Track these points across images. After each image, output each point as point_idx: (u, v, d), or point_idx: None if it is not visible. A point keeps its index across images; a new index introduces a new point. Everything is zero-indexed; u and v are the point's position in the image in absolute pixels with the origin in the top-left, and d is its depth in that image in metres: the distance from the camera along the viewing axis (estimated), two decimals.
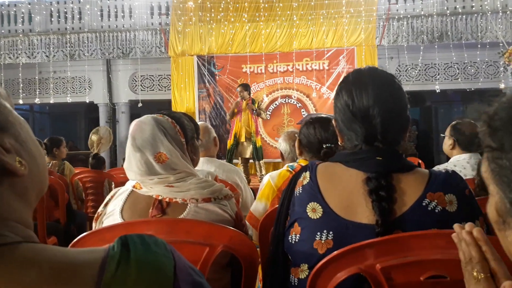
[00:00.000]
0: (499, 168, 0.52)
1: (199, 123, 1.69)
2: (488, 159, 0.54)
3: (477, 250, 0.75)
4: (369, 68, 1.15)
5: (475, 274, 0.73)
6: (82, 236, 1.01)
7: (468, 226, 0.77)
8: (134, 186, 1.24)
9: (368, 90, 1.05)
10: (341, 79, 1.16)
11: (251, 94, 6.54)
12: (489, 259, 0.73)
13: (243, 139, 6.37)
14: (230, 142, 6.49)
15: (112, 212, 1.23)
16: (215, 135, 2.77)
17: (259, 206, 2.10)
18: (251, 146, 6.36)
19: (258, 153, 6.31)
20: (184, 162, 1.27)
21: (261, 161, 6.45)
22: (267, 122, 8.35)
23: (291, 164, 2.24)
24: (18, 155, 0.49)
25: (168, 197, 1.19)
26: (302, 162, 2.02)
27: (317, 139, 1.93)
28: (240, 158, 6.52)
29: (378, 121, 1.03)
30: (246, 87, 6.44)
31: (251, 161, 6.60)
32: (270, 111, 8.58)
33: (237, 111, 6.41)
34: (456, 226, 0.81)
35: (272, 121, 8.57)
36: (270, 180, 2.11)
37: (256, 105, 6.32)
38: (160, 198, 1.19)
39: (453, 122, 2.65)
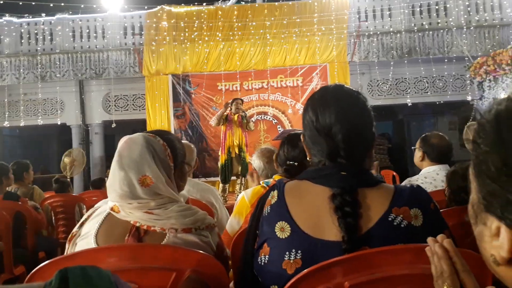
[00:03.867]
0: (477, 160, 0.53)
1: (183, 141, 1.64)
2: (473, 154, 0.56)
3: (448, 263, 0.75)
4: (335, 86, 1.17)
5: None
6: (40, 266, 0.96)
7: (439, 237, 0.78)
8: (112, 209, 1.18)
9: (331, 108, 1.06)
10: (308, 97, 1.17)
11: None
12: (458, 270, 0.74)
13: (234, 154, 6.30)
14: (223, 157, 6.28)
15: (86, 235, 1.18)
16: (196, 156, 2.74)
17: (233, 222, 2.10)
18: (240, 161, 6.27)
19: (246, 169, 6.24)
20: (169, 188, 1.21)
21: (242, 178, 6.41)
22: None
23: (266, 180, 2.24)
24: None
25: (146, 224, 1.14)
26: (277, 177, 2.02)
27: (285, 157, 1.95)
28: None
29: (340, 138, 1.04)
30: (242, 101, 6.48)
31: (233, 178, 6.51)
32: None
33: (228, 124, 6.32)
34: (430, 239, 0.81)
35: (249, 137, 8.53)
36: (244, 196, 2.11)
37: (245, 120, 6.31)
38: (138, 224, 1.14)
39: (423, 135, 2.71)
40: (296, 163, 1.84)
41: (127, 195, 1.15)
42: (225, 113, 6.32)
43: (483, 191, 0.52)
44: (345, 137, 1.04)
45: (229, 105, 6.36)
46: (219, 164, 6.41)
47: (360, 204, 1.00)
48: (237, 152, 6.25)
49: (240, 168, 6.30)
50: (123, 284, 0.51)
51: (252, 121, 6.55)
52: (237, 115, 6.29)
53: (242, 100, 6.52)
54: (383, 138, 9.70)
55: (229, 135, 6.29)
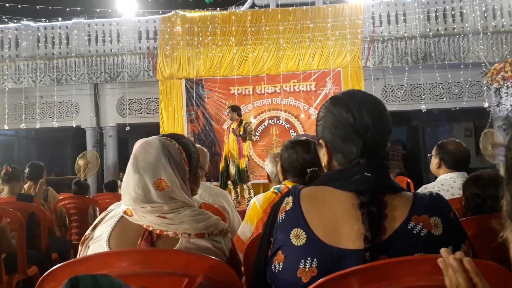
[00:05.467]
0: (507, 165, 0.53)
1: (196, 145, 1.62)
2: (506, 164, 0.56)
3: (465, 277, 0.72)
4: (359, 90, 1.17)
5: None
6: (52, 269, 0.96)
7: (458, 254, 0.74)
8: (125, 212, 1.17)
9: (367, 108, 1.06)
10: (327, 100, 1.14)
11: (241, 115, 6.54)
12: None
13: (230, 161, 6.34)
14: (222, 164, 6.48)
15: (99, 238, 1.17)
16: (208, 160, 2.74)
17: (245, 228, 2.08)
18: (234, 168, 6.31)
19: (240, 176, 6.24)
20: (183, 193, 1.20)
21: (248, 183, 6.39)
22: (256, 143, 8.36)
23: (277, 186, 2.22)
24: None
25: (159, 229, 1.12)
26: (288, 183, 1.99)
27: (299, 163, 1.90)
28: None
29: (375, 137, 1.04)
30: (234, 108, 6.45)
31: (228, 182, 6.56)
32: (259, 132, 8.59)
33: (227, 132, 6.41)
34: (443, 250, 0.78)
35: (261, 142, 8.58)
36: (255, 202, 2.09)
37: (242, 127, 6.28)
38: (150, 229, 1.13)
39: (439, 142, 2.66)
40: (317, 168, 1.78)
41: (141, 199, 1.14)
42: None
43: (509, 197, 0.51)
44: (378, 138, 1.04)
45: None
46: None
47: (386, 205, 0.99)
48: (232, 159, 6.27)
49: (234, 175, 6.33)
50: None
51: (250, 133, 6.35)
52: (235, 121, 6.28)
53: (235, 107, 6.51)
54: (397, 144, 9.59)
55: (226, 143, 6.41)
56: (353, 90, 1.16)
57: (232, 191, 6.50)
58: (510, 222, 0.53)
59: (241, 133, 6.19)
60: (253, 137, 6.48)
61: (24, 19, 9.20)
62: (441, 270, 0.90)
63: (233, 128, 6.26)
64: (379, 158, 1.04)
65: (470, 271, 0.71)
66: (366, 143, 1.04)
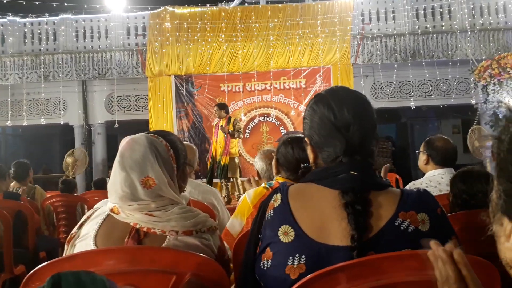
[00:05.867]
0: (500, 161, 0.53)
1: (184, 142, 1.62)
2: (495, 152, 0.55)
3: (454, 269, 0.72)
4: (342, 86, 1.17)
5: None
6: (38, 268, 0.95)
7: (448, 247, 0.75)
8: (111, 210, 1.16)
9: (348, 105, 1.05)
10: (313, 97, 1.15)
11: (229, 113, 6.54)
12: (468, 284, 0.71)
13: (218, 158, 6.34)
14: (209, 162, 6.48)
15: (85, 236, 1.16)
16: (197, 157, 2.73)
17: (235, 223, 2.09)
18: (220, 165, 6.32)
19: (223, 172, 6.25)
20: (171, 190, 1.18)
21: (238, 180, 6.41)
22: (247, 140, 8.36)
23: (269, 182, 2.22)
24: None
25: (146, 226, 1.11)
26: (280, 179, 2.00)
27: (295, 159, 1.92)
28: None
29: (357, 136, 1.03)
30: (221, 106, 6.44)
31: (232, 180, 6.55)
32: (249, 129, 8.59)
33: (215, 130, 6.39)
34: (432, 243, 0.78)
35: (251, 139, 8.57)
36: (246, 197, 2.10)
37: (231, 124, 6.28)
38: (137, 226, 1.12)
39: (427, 138, 2.68)
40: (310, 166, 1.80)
41: (127, 197, 1.13)
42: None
43: (501, 189, 0.51)
44: (361, 133, 1.04)
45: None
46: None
47: (371, 203, 0.98)
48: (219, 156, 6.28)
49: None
50: None
51: (239, 131, 6.34)
52: (224, 119, 6.28)
53: (222, 105, 6.49)
54: (386, 141, 9.67)
55: (214, 141, 6.41)
56: (336, 87, 1.16)
57: (223, 188, 6.50)
58: (501, 214, 0.53)
59: (229, 130, 6.19)
60: (240, 135, 6.46)
61: (10, 14, 9.05)
62: (429, 265, 0.90)
63: (221, 126, 6.24)
64: (363, 157, 1.04)
65: (460, 263, 0.71)
66: (348, 141, 1.03)
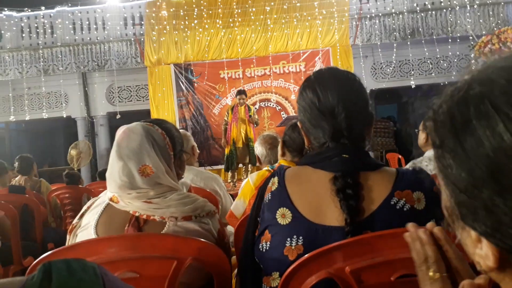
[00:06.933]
0: (443, 167, 0.47)
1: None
2: (434, 156, 0.50)
3: (434, 249, 0.72)
4: (329, 68, 1.16)
5: (431, 274, 0.71)
6: (42, 257, 0.97)
7: (429, 225, 0.75)
8: (111, 199, 1.18)
9: (331, 87, 1.05)
10: (303, 81, 1.15)
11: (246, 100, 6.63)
12: (450, 258, 0.71)
13: (240, 144, 6.37)
14: (228, 148, 6.48)
15: (86, 226, 1.18)
16: (193, 143, 2.74)
17: (238, 204, 2.14)
18: (248, 151, 6.39)
19: (255, 158, 6.36)
20: (168, 177, 1.20)
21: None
22: None
23: (271, 165, 2.26)
24: None
25: (145, 214, 1.13)
26: (282, 162, 2.03)
27: (302, 141, 1.96)
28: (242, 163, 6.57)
29: (343, 117, 1.03)
30: (246, 93, 6.55)
31: (240, 165, 6.67)
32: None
33: (233, 117, 6.39)
34: (410, 225, 0.78)
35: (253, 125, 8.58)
36: (249, 180, 2.15)
37: (251, 112, 6.41)
38: (137, 214, 1.13)
39: (426, 117, 2.68)
40: None
41: (126, 185, 1.15)
42: (231, 105, 6.44)
43: (455, 197, 0.46)
44: (347, 116, 1.03)
45: (235, 96, 6.47)
46: (225, 154, 6.58)
47: (362, 187, 0.99)
48: (244, 142, 6.32)
49: (248, 158, 6.42)
50: (110, 276, 0.50)
51: (258, 119, 6.66)
52: (243, 107, 6.32)
53: (245, 94, 6.57)
54: (388, 121, 9.63)
55: (234, 126, 6.37)
56: (324, 69, 1.15)
57: (243, 174, 6.64)
58: (457, 220, 0.48)
59: (256, 121, 6.41)
60: (258, 122, 6.63)
61: (6, 9, 9.00)
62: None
63: (250, 116, 6.34)
64: (352, 141, 1.03)
65: (441, 239, 0.72)
66: (334, 125, 1.03)
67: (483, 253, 0.45)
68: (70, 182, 4.34)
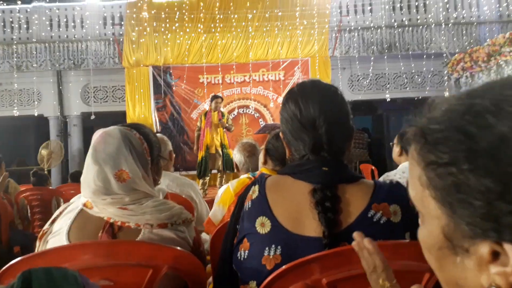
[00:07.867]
0: (453, 185, 0.43)
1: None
2: (431, 177, 0.46)
3: (381, 258, 0.74)
4: (312, 80, 1.17)
5: (381, 282, 0.72)
6: (10, 264, 0.93)
7: (365, 240, 0.77)
8: (84, 205, 1.15)
9: (314, 100, 1.06)
10: (286, 92, 1.16)
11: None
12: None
13: (213, 150, 6.31)
14: (201, 153, 6.40)
15: (58, 232, 1.14)
16: (171, 148, 2.70)
17: (217, 211, 2.13)
18: (222, 157, 6.33)
19: (230, 165, 6.29)
20: (145, 183, 1.17)
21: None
22: (226, 132, 8.36)
23: (252, 172, 2.26)
24: None
25: (120, 220, 1.10)
26: (264, 170, 2.03)
27: (285, 150, 1.96)
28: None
29: (324, 130, 1.03)
30: (222, 98, 6.51)
31: (214, 171, 6.59)
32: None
33: (206, 122, 6.33)
34: (356, 234, 0.81)
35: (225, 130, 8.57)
36: (229, 187, 2.14)
37: (225, 119, 6.36)
38: (111, 221, 1.11)
39: (401, 131, 2.74)
40: None
41: (101, 191, 1.12)
42: (204, 111, 6.44)
43: (467, 218, 0.42)
44: (328, 129, 1.04)
45: (209, 102, 6.45)
46: (198, 161, 6.53)
47: (340, 200, 1.00)
48: (218, 148, 6.28)
49: (220, 164, 6.36)
50: (92, 285, 0.49)
51: (232, 125, 6.62)
52: (216, 112, 6.29)
53: (222, 98, 6.54)
54: (362, 133, 9.80)
55: (207, 132, 6.32)
56: (307, 81, 1.16)
57: (218, 180, 6.56)
58: (459, 243, 0.44)
59: (227, 124, 6.30)
60: (232, 129, 6.57)
61: None
62: (400, 255, 0.94)
63: (220, 120, 6.26)
64: (332, 154, 1.04)
65: (370, 250, 0.74)
66: (315, 138, 1.04)
67: (501, 268, 0.41)
68: (37, 182, 4.18)
